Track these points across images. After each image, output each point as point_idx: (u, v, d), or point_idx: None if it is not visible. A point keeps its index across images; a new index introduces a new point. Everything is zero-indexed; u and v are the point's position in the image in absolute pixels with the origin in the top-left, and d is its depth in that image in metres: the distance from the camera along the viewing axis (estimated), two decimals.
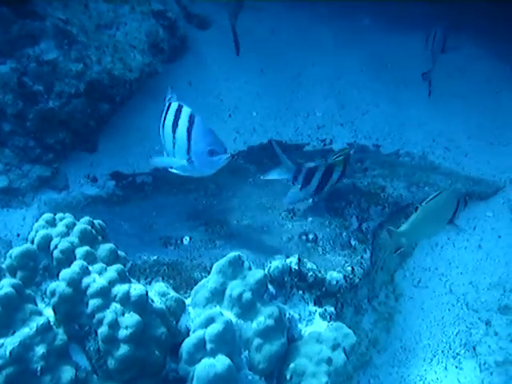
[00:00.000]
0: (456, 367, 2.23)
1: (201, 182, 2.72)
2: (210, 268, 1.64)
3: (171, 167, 2.07)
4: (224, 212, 2.50)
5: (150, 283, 1.97)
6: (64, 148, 2.69)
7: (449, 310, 2.42)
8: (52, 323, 1.43)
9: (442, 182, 2.75)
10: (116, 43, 2.77)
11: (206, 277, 1.66)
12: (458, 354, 2.27)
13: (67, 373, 1.39)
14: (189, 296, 1.67)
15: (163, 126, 2.03)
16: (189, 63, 3.41)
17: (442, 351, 2.28)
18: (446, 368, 2.23)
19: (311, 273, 1.87)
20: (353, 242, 2.32)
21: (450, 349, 2.29)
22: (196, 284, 1.66)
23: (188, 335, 1.51)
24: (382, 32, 3.91)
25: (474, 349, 2.28)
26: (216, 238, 2.34)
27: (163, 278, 2.02)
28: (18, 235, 2.47)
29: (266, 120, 3.29)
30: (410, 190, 2.66)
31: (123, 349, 1.40)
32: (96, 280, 1.45)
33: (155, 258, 2.15)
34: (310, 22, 4.00)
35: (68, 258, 1.51)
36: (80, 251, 1.52)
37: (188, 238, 2.34)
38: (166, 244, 2.32)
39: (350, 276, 2.10)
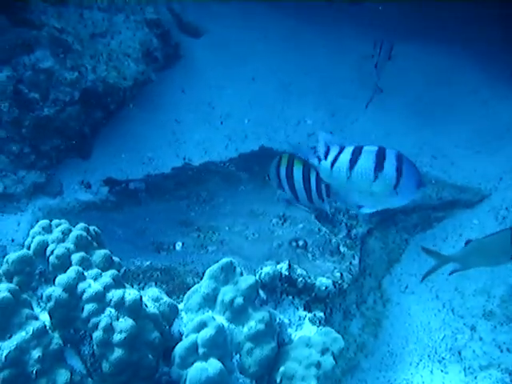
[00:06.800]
0: (441, 371, 2.27)
1: (193, 188, 2.76)
2: (203, 273, 1.67)
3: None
4: (216, 218, 2.53)
5: (143, 288, 2.00)
6: (59, 154, 2.73)
7: (435, 315, 2.46)
8: (48, 327, 1.46)
9: (429, 190, 2.81)
10: (111, 52, 2.81)
11: (198, 282, 1.69)
12: (443, 358, 2.31)
13: (62, 376, 1.42)
14: (181, 301, 1.70)
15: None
16: (182, 71, 3.46)
17: (428, 356, 2.33)
18: (431, 372, 2.28)
19: (301, 278, 1.91)
20: (342, 249, 2.37)
21: (436, 353, 2.33)
22: (189, 289, 1.69)
23: (181, 339, 1.54)
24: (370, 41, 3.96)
25: (460, 353, 2.32)
26: (208, 243, 2.38)
27: (156, 284, 2.05)
28: (13, 240, 2.50)
29: (258, 127, 3.33)
30: None
31: (117, 352, 1.43)
32: (91, 285, 1.48)
33: (148, 263, 2.18)
34: (302, 31, 4.05)
35: (64, 263, 1.54)
36: (76, 257, 1.55)
37: (180, 244, 2.37)
38: (159, 249, 2.35)
39: (339, 282, 2.15)
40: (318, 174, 2.26)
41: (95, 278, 1.51)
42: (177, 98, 3.34)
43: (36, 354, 1.40)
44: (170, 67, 3.40)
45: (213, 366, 1.45)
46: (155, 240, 2.40)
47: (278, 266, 1.86)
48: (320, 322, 1.75)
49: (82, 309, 1.46)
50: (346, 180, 1.96)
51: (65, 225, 1.64)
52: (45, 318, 1.50)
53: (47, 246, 1.58)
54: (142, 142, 3.03)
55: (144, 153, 3.02)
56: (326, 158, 1.98)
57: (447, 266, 2.23)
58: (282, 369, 1.58)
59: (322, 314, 1.77)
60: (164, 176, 2.95)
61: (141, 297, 1.51)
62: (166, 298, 1.64)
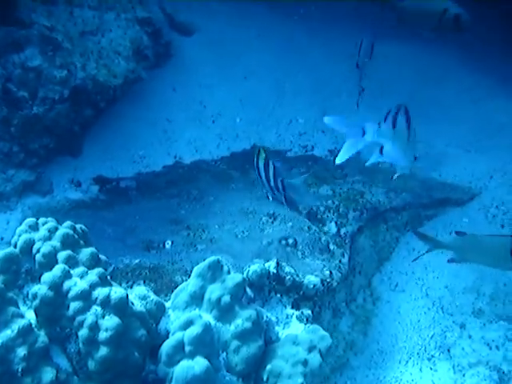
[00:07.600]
0: (431, 369, 2.28)
1: (183, 187, 2.76)
2: (191, 271, 1.67)
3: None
4: (206, 217, 2.53)
5: (131, 287, 2.00)
6: (48, 153, 2.73)
7: (425, 313, 2.47)
8: (33, 325, 1.46)
9: (419, 189, 2.82)
10: (101, 50, 2.81)
11: (186, 280, 1.69)
12: (432, 356, 2.32)
13: (48, 374, 1.42)
14: (169, 299, 1.70)
15: None
16: (173, 69, 3.45)
17: (418, 353, 2.33)
18: (420, 370, 2.28)
19: (289, 276, 1.91)
20: (331, 247, 2.37)
21: (426, 351, 2.34)
22: (176, 287, 1.70)
23: (167, 337, 1.54)
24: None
25: (449, 351, 2.33)
26: (197, 242, 2.38)
27: (144, 282, 2.05)
28: (2, 239, 2.50)
29: (249, 126, 3.33)
30: (387, 195, 2.72)
31: (103, 351, 1.43)
32: (77, 283, 1.48)
33: (137, 261, 2.18)
34: (296, 30, 4.05)
35: (50, 261, 1.54)
36: (62, 255, 1.55)
37: (170, 242, 2.37)
38: (149, 248, 2.35)
39: (328, 280, 2.15)
40: (274, 170, 2.36)
41: (81, 276, 1.51)
42: (168, 97, 3.34)
43: (21, 352, 1.40)
44: (160, 66, 3.39)
45: (199, 363, 1.45)
46: (145, 238, 2.40)
47: (266, 264, 1.87)
48: (307, 320, 1.76)
49: (68, 307, 1.46)
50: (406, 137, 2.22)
51: (51, 223, 1.64)
52: (31, 316, 1.50)
53: (33, 244, 1.58)
54: (133, 141, 3.03)
55: (135, 151, 3.02)
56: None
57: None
58: (268, 367, 1.58)
59: (309, 312, 1.78)
60: (155, 174, 2.95)
61: (127, 295, 1.50)
62: (153, 296, 1.64)
